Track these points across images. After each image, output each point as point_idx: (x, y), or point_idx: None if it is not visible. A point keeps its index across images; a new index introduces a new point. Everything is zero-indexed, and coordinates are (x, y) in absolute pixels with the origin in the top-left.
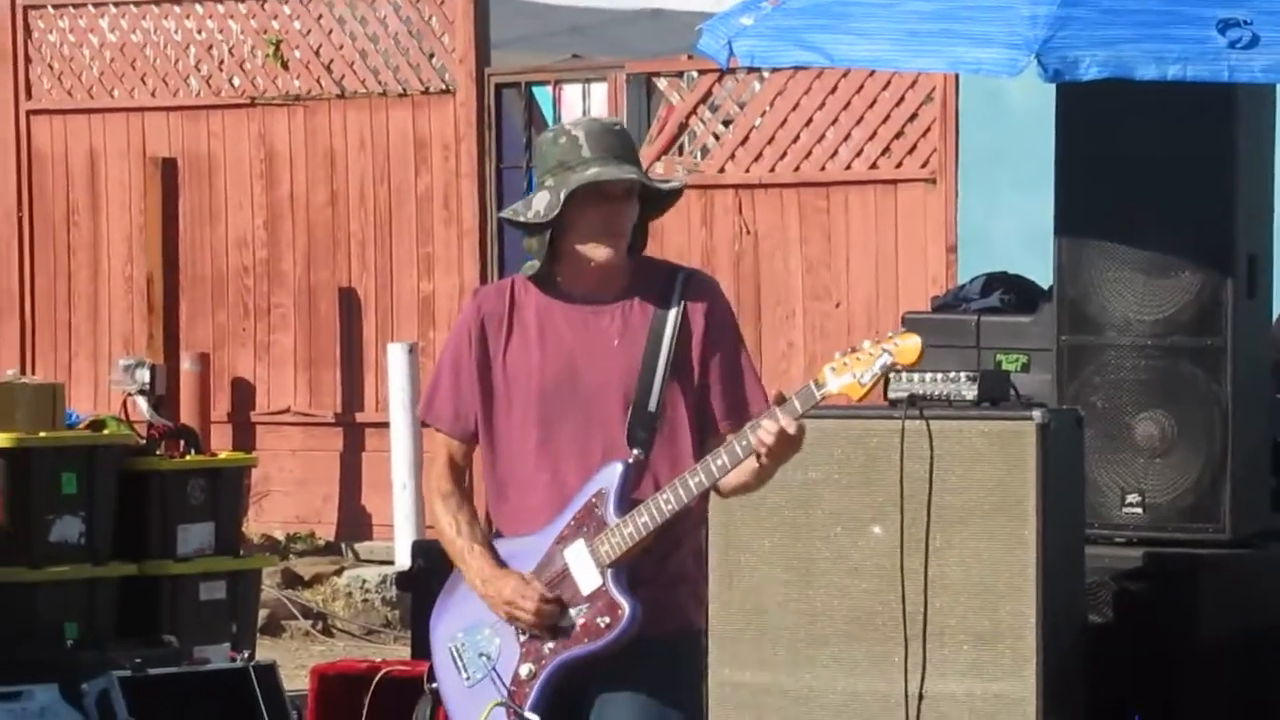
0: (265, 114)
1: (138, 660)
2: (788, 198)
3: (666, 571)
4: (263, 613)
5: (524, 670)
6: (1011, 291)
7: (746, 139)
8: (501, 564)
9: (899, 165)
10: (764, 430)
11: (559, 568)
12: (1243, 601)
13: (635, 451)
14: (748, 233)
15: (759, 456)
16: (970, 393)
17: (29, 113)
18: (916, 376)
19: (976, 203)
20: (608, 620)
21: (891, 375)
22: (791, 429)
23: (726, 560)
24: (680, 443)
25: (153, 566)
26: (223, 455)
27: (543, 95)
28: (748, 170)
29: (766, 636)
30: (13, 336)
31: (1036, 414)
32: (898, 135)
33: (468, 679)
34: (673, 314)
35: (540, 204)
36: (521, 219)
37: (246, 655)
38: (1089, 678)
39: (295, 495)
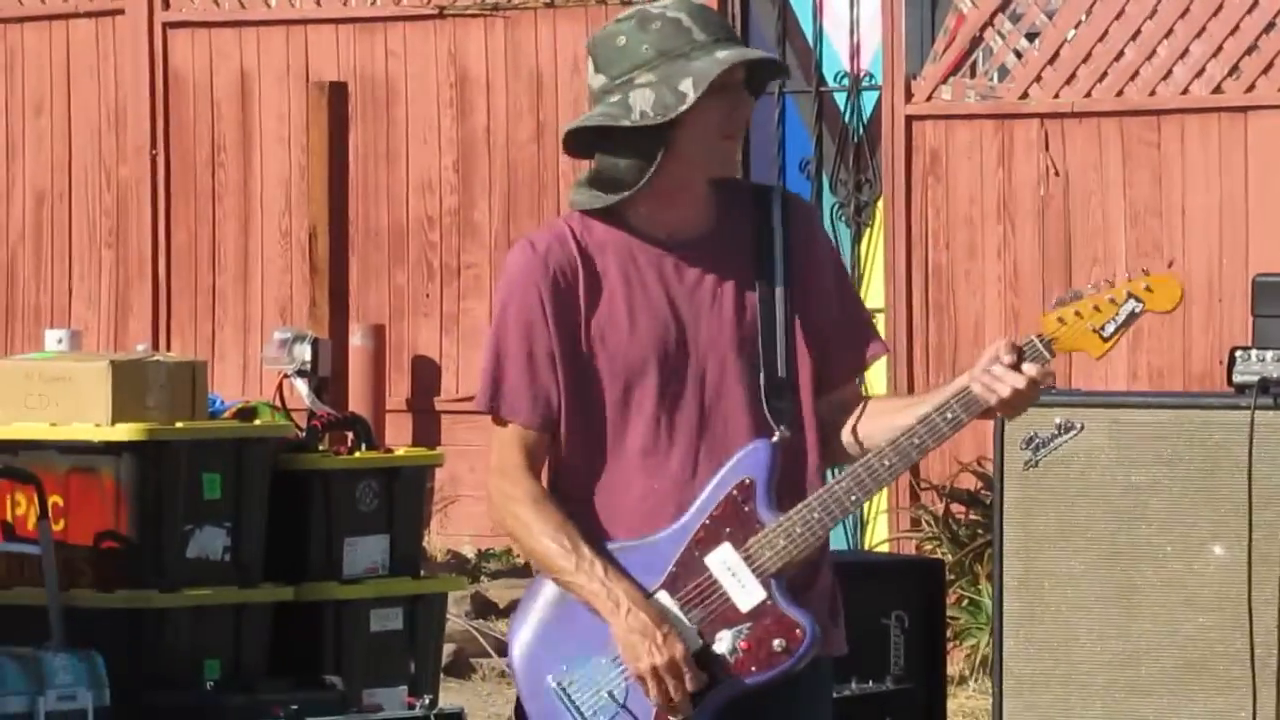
0: (456, 26)
1: (294, 707)
2: (1107, 129)
3: (821, 575)
4: (448, 648)
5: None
6: None
7: (1055, 56)
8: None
9: (1251, 88)
10: (1009, 379)
11: (701, 579)
12: None
13: (781, 428)
14: (1056, 173)
15: (992, 408)
16: None
17: (165, 25)
18: (1270, 355)
19: None
20: (784, 643)
21: (1239, 354)
22: (1036, 375)
23: (1026, 586)
24: (815, 412)
25: (313, 590)
26: (401, 451)
27: (800, 1)
28: (1057, 96)
29: (1076, 682)
30: (144, 303)
31: None
32: (1250, 50)
33: None
34: (778, 248)
35: (645, 103)
36: (626, 122)
37: (428, 701)
38: None
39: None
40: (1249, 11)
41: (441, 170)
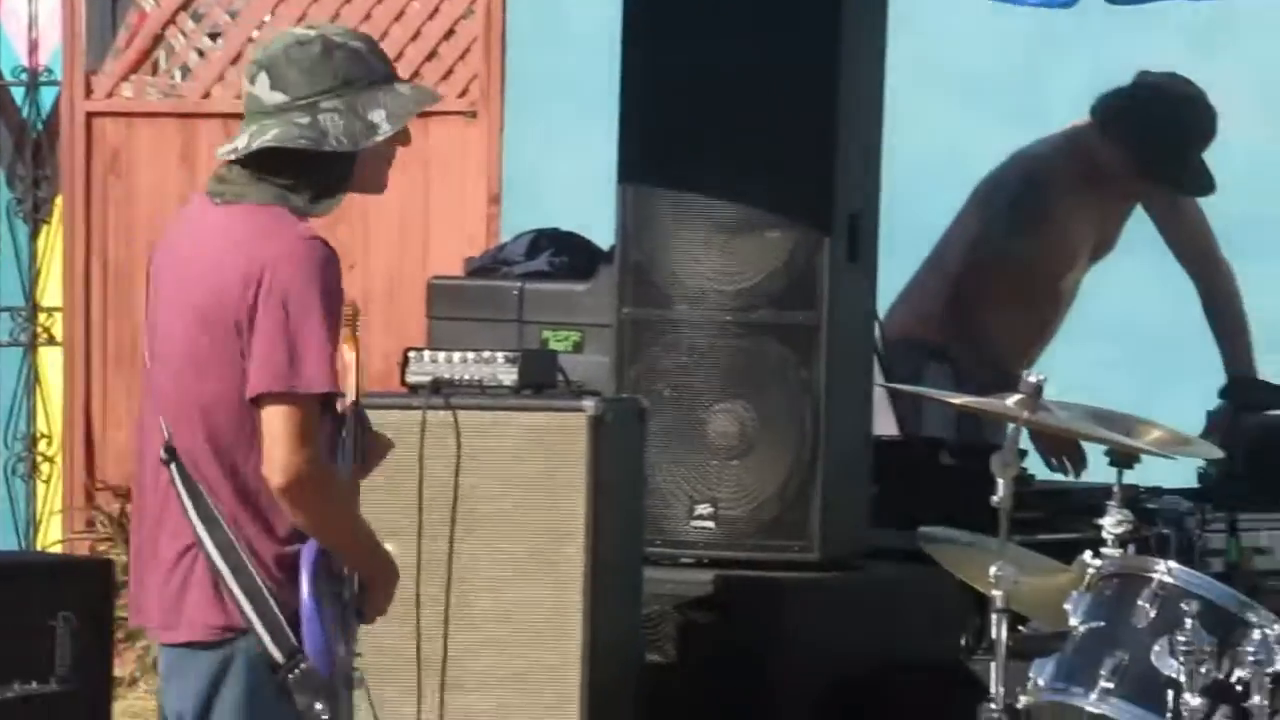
0: None
1: None
2: None
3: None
4: None
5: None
6: (563, 253)
7: (239, 57)
8: None
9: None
10: None
11: None
12: (834, 637)
13: None
14: None
15: None
16: (509, 377)
17: None
18: (443, 356)
19: (527, 142)
20: None
21: (412, 354)
22: None
23: None
24: None
25: None
26: None
27: None
28: (239, 96)
29: None
30: None
31: (588, 404)
32: (430, 56)
33: None
34: None
35: (337, 129)
36: (326, 147)
37: None
38: None
39: None
40: (430, 18)
41: None
